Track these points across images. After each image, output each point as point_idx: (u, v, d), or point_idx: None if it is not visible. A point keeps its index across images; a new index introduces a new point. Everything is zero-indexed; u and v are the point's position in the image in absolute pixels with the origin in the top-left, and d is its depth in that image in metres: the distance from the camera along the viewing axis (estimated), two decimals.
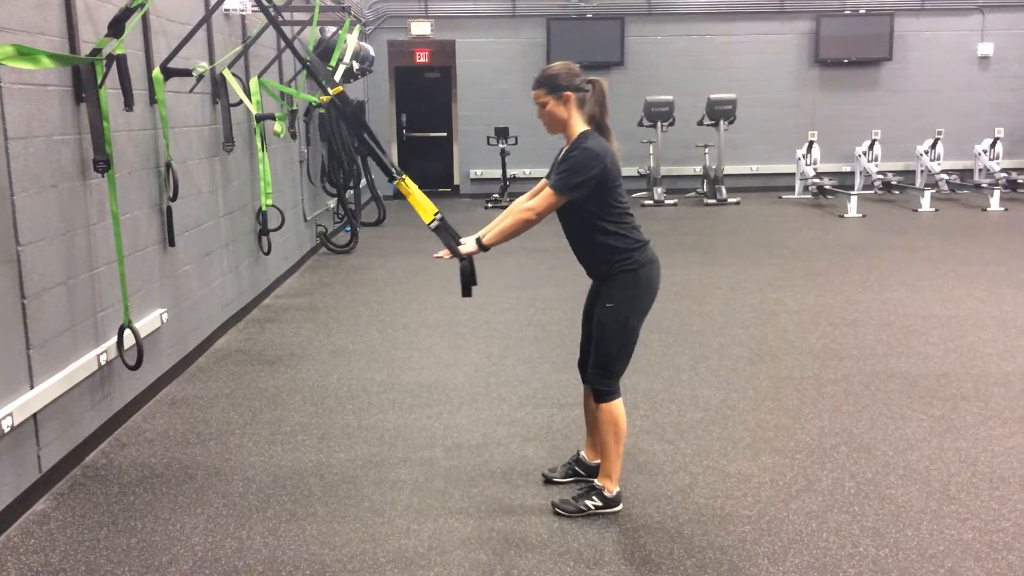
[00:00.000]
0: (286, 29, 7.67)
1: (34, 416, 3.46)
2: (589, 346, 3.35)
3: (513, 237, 3.27)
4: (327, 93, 4.13)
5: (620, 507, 3.33)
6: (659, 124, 12.24)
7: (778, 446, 3.91)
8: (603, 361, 3.25)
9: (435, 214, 3.43)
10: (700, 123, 12.51)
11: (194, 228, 5.32)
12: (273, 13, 4.82)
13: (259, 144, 6.42)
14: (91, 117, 3.75)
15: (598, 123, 3.23)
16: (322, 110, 8.67)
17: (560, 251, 3.41)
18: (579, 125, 3.21)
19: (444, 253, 3.38)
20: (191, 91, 5.31)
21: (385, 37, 13.08)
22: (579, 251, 3.33)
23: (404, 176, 3.66)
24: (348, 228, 9.19)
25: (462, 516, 3.31)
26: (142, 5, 3.87)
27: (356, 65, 8.56)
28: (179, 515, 3.36)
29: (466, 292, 3.37)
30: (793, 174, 13.01)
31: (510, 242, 3.31)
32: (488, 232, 3.29)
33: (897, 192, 12.71)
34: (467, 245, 3.31)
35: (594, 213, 3.18)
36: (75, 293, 3.84)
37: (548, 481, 3.58)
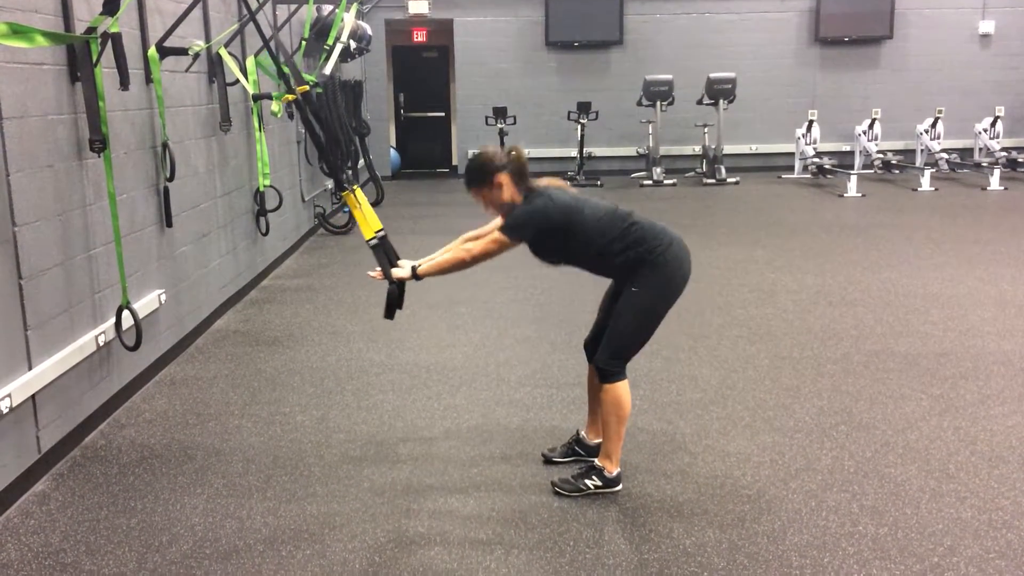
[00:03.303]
0: (283, 7, 7.62)
1: (33, 397, 3.46)
2: (604, 326, 3.34)
3: (447, 273, 3.34)
4: (292, 92, 4.14)
5: (620, 487, 3.33)
6: (658, 103, 12.18)
7: (777, 425, 3.92)
8: (617, 343, 3.24)
9: (377, 231, 3.51)
10: (699, 102, 12.45)
11: (191, 209, 5.30)
12: (254, 6, 4.78)
13: (256, 124, 6.39)
14: (87, 96, 3.73)
15: (528, 187, 3.26)
16: (319, 89, 8.61)
17: None
18: (519, 196, 3.24)
19: (377, 273, 3.43)
20: (187, 70, 5.27)
21: (382, 16, 12.99)
22: (609, 275, 3.35)
23: (355, 187, 3.73)
24: (346, 209, 9.16)
25: (462, 496, 3.32)
26: None
27: (353, 44, 8.50)
28: (179, 495, 3.36)
29: (389, 315, 3.46)
30: (793, 154, 12.97)
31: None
32: (426, 262, 3.34)
33: (897, 171, 12.68)
34: (402, 270, 3.39)
35: (582, 246, 3.20)
36: (73, 274, 3.83)
37: (547, 461, 3.58)
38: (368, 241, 3.53)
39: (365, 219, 3.59)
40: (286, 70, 4.33)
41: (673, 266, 3.20)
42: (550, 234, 3.19)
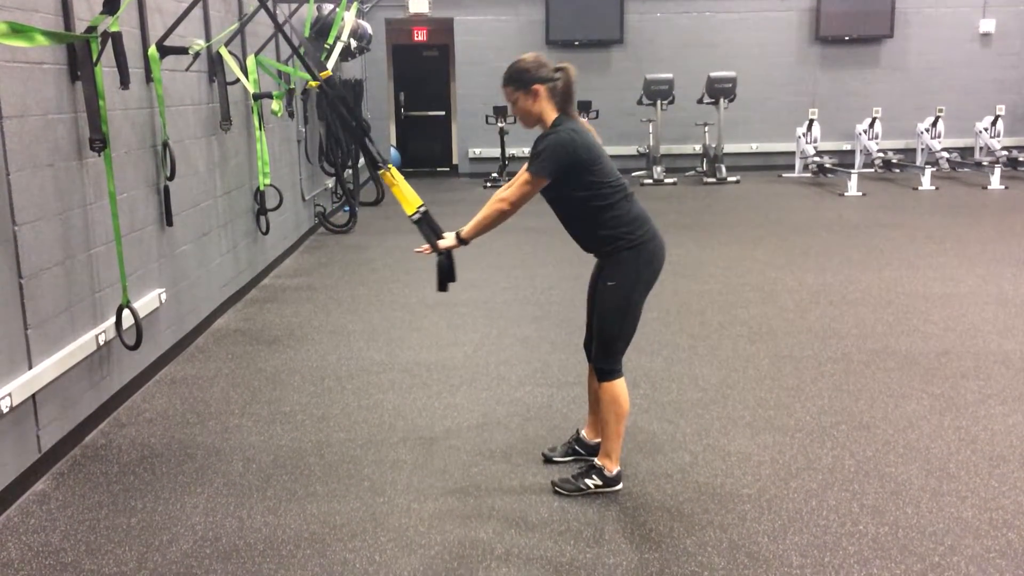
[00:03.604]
0: (284, 6, 7.62)
1: (33, 396, 3.46)
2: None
3: (492, 228, 3.25)
4: (315, 78, 4.11)
5: (620, 486, 3.33)
6: (658, 102, 12.18)
7: (778, 425, 3.91)
8: (604, 339, 3.24)
9: (418, 207, 3.44)
10: (700, 101, 12.45)
11: (192, 208, 5.30)
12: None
13: (256, 123, 6.39)
14: (87, 95, 3.72)
15: (566, 112, 3.21)
16: (317, 90, 8.62)
17: (558, 230, 3.39)
18: (552, 115, 3.18)
19: (425, 248, 3.38)
20: (187, 69, 5.26)
21: (383, 15, 12.98)
22: (578, 237, 3.31)
23: (390, 166, 3.65)
24: (346, 208, 9.16)
25: (462, 495, 3.32)
26: None
27: (354, 43, 8.49)
28: (179, 495, 3.36)
29: (442, 287, 3.40)
30: (793, 152, 12.97)
31: (508, 221, 3.29)
32: (467, 226, 3.27)
33: (898, 170, 12.67)
34: (447, 239, 3.33)
35: (582, 197, 3.15)
36: (73, 273, 3.82)
37: (548, 460, 3.58)
38: (410, 216, 3.46)
39: (404, 196, 3.53)
40: (293, 72, 4.31)
41: (645, 258, 3.19)
42: (570, 170, 3.11)
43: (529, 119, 3.22)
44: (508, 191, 3.18)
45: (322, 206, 9.10)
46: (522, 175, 3.16)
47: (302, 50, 4.57)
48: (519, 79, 3.17)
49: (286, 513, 3.20)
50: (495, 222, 3.22)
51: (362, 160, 9.90)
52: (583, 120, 3.25)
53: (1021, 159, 12.18)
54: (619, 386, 3.25)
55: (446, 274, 3.38)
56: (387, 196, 10.13)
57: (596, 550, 2.92)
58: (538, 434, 3.86)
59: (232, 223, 6.09)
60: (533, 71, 3.15)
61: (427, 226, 3.43)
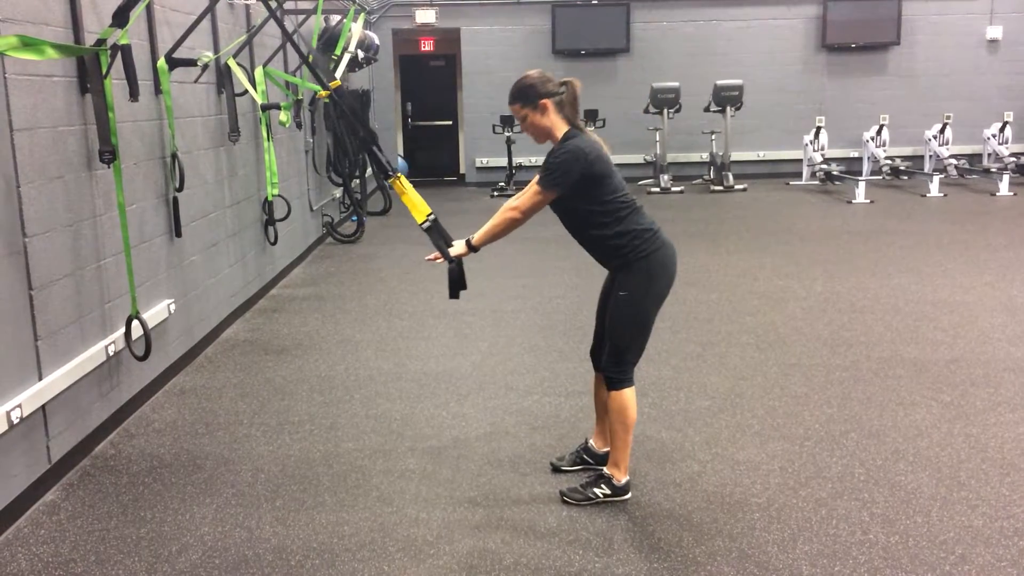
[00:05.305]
0: (291, 18, 7.66)
1: (43, 407, 3.47)
2: (603, 333, 3.34)
3: (501, 236, 3.28)
4: (326, 88, 4.13)
5: (629, 495, 3.32)
6: (665, 111, 12.18)
7: (787, 433, 3.90)
8: (616, 349, 3.24)
9: (428, 215, 3.47)
10: (707, 109, 12.45)
11: (200, 218, 5.32)
12: (274, 6, 4.81)
13: (265, 134, 6.41)
14: (96, 108, 3.75)
15: (574, 124, 3.23)
16: (327, 100, 8.66)
17: (566, 239, 3.40)
18: (561, 128, 3.21)
19: (435, 256, 3.40)
20: (196, 81, 5.29)
21: (390, 25, 13.04)
22: (588, 248, 3.32)
23: (399, 175, 3.67)
24: (354, 217, 9.19)
25: (470, 505, 3.31)
26: None
27: (361, 54, 8.53)
28: (188, 505, 3.36)
29: (453, 295, 3.41)
30: (800, 160, 12.95)
31: (516, 231, 3.30)
32: (478, 233, 3.30)
33: (905, 177, 12.65)
34: (457, 247, 3.35)
35: (591, 210, 3.17)
36: (82, 284, 3.84)
37: (556, 470, 3.57)
38: (421, 224, 3.49)
39: (414, 204, 3.55)
40: (301, 83, 4.34)
41: (657, 266, 3.20)
42: (581, 183, 3.12)
43: (539, 134, 3.24)
44: (519, 200, 3.21)
45: (330, 216, 9.13)
46: (533, 186, 3.18)
47: (311, 58, 4.60)
48: (526, 96, 3.20)
49: (295, 523, 3.21)
50: (506, 230, 3.25)
51: (369, 170, 9.93)
52: (591, 131, 3.27)
53: None
54: (628, 395, 3.24)
55: (457, 282, 3.39)
56: (395, 206, 10.16)
57: (605, 559, 2.92)
58: (546, 443, 3.85)
59: (241, 233, 6.12)
60: (539, 86, 3.18)
61: (437, 234, 3.44)
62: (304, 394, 4.55)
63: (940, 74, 13.27)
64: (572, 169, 3.10)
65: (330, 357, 5.15)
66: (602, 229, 3.18)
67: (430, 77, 14.45)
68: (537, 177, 3.20)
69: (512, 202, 3.25)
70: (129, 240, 3.99)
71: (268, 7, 4.71)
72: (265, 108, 6.32)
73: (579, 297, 6.20)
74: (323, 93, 4.28)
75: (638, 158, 13.02)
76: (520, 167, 12.66)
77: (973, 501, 3.25)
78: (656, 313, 3.26)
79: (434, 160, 14.58)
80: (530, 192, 3.19)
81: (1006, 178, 11.27)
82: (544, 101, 3.17)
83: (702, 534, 3.06)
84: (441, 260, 3.39)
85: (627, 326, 3.21)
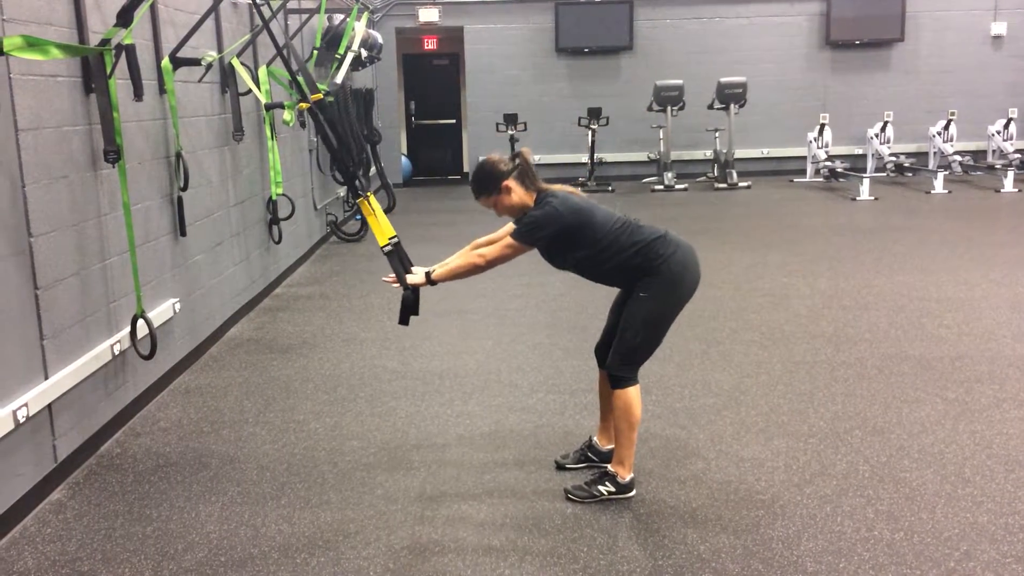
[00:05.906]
0: (295, 17, 7.67)
1: (49, 406, 3.48)
2: (614, 332, 3.34)
3: (461, 278, 3.36)
4: (306, 100, 4.18)
5: (633, 493, 3.32)
6: (669, 108, 12.16)
7: (791, 430, 3.90)
8: (627, 349, 3.24)
9: (391, 238, 3.54)
10: (710, 107, 12.44)
11: (205, 218, 5.33)
12: (268, 15, 4.82)
13: (268, 133, 6.42)
14: (101, 107, 3.76)
15: (537, 187, 3.26)
16: (330, 99, 8.66)
17: None
18: (530, 197, 3.25)
19: (391, 279, 3.45)
20: (200, 81, 5.30)
21: (393, 24, 13.04)
22: (616, 282, 3.35)
23: (369, 194, 3.75)
24: (358, 216, 9.19)
25: (475, 502, 3.32)
26: None
27: (364, 53, 8.53)
28: (194, 503, 3.37)
29: (403, 321, 3.48)
30: (804, 157, 12.93)
31: None
32: (439, 267, 3.36)
33: (910, 174, 12.62)
34: (416, 276, 3.42)
35: (593, 253, 3.21)
36: (88, 284, 3.86)
37: (560, 467, 3.58)
38: (382, 248, 3.57)
39: (379, 226, 3.63)
40: (301, 81, 4.35)
41: (678, 272, 3.21)
42: (561, 237, 3.19)
43: (514, 212, 3.29)
44: (489, 249, 3.27)
45: (334, 215, 9.14)
46: (506, 239, 3.23)
47: (299, 68, 4.64)
48: (487, 186, 3.25)
49: (300, 521, 3.21)
50: (466, 274, 3.32)
51: (373, 168, 9.93)
52: (559, 187, 3.31)
53: None
54: (633, 393, 3.25)
55: (409, 308, 3.47)
56: (398, 206, 10.16)
57: (610, 556, 2.92)
58: (551, 441, 3.86)
59: (245, 233, 6.13)
60: (496, 172, 3.23)
61: (397, 259, 3.53)
62: (309, 392, 4.56)
63: (944, 70, 13.24)
64: (544, 225, 3.16)
65: (335, 355, 5.16)
66: (614, 258, 3.20)
67: (433, 76, 14.45)
68: (510, 228, 3.27)
69: (482, 247, 3.33)
70: (134, 239, 4.01)
71: (262, 16, 4.71)
72: (269, 107, 6.33)
73: (583, 295, 6.20)
74: (303, 105, 4.32)
75: (642, 156, 13.01)
76: None
77: (978, 497, 3.25)
78: (673, 318, 3.27)
79: (438, 159, 14.57)
80: (502, 243, 3.23)
81: (1011, 174, 11.24)
82: (506, 183, 3.22)
83: (707, 531, 3.07)
84: (397, 284, 3.45)
85: (641, 326, 3.21)
